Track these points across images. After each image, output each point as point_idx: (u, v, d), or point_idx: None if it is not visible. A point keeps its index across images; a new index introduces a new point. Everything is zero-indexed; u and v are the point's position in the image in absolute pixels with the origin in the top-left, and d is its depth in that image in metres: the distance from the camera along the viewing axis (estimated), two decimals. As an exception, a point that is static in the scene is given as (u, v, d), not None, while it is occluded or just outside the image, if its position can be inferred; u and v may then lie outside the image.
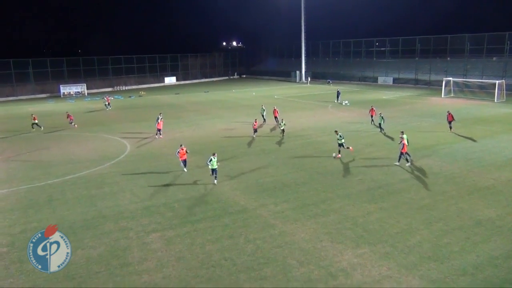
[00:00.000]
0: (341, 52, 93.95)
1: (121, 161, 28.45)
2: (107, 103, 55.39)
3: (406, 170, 24.47)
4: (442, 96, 58.47)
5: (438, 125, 37.35)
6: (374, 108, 38.62)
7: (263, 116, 40.78)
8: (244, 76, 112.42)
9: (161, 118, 36.04)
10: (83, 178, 24.67)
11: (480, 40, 68.39)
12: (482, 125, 37.65)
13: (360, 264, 14.13)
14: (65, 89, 75.36)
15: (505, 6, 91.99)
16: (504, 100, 52.82)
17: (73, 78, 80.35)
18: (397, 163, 25.50)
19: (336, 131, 28.07)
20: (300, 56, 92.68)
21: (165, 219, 18.39)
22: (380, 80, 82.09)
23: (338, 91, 57.51)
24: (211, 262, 14.52)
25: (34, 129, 39.52)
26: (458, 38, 72.20)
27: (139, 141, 34.38)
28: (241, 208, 19.37)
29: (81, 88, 76.81)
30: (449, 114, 34.55)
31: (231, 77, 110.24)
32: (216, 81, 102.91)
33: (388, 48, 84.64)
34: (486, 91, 56.89)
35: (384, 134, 34.37)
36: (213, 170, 22.57)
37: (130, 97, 71.55)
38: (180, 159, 24.86)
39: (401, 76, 79.75)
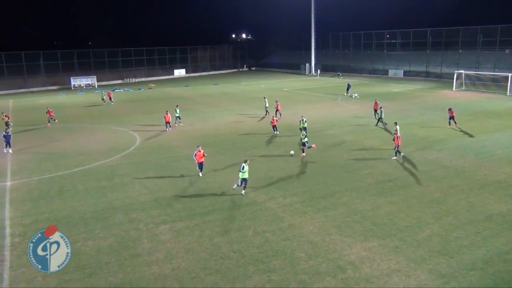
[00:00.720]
0: (351, 45, 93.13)
1: (131, 153, 28.64)
2: (107, 97, 54.04)
3: (416, 164, 24.29)
4: (454, 89, 57.78)
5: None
6: (378, 102, 38.11)
7: (265, 108, 41.01)
8: (253, 68, 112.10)
9: (178, 110, 36.99)
10: (93, 170, 24.91)
11: (492, 32, 67.23)
12: (494, 118, 37.19)
13: (369, 257, 14.12)
14: (75, 81, 75.90)
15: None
16: (517, 93, 52.10)
17: (84, 71, 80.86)
18: (397, 157, 25.50)
19: (300, 129, 27.55)
20: (310, 49, 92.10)
21: (174, 211, 18.52)
22: (391, 72, 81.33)
23: (348, 84, 57.06)
24: (220, 254, 14.61)
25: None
26: (470, 30, 71.05)
27: (149, 133, 34.55)
28: (250, 201, 19.42)
29: (91, 80, 77.34)
30: (450, 110, 33.51)
31: (240, 69, 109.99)
32: (225, 73, 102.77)
33: (399, 41, 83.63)
34: (498, 84, 56.02)
35: (385, 128, 33.95)
36: (243, 180, 19.94)
37: (139, 89, 71.81)
38: (197, 162, 22.70)
39: (412, 68, 78.90)
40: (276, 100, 40.80)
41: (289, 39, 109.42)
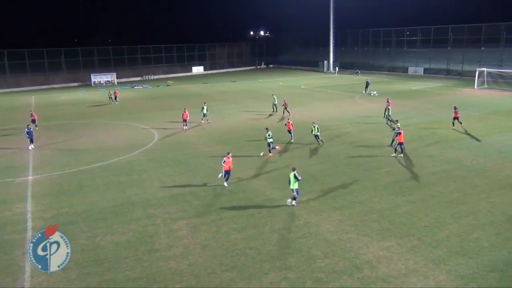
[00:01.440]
0: (370, 42, 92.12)
1: (149, 149, 28.96)
2: (113, 96, 52.67)
3: (435, 163, 23.93)
4: (475, 87, 56.62)
5: (470, 117, 36.26)
6: (390, 100, 37.50)
7: (274, 105, 41.34)
8: (271, 66, 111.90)
9: (205, 108, 37.24)
10: (112, 166, 25.27)
11: (517, 29, 65.73)
12: (517, 117, 36.33)
13: (386, 257, 13.99)
14: (95, 78, 77.07)
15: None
16: (541, 91, 50.78)
17: (104, 67, 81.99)
18: (399, 154, 25.46)
19: (266, 128, 27.09)
20: (328, 46, 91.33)
21: (191, 207, 18.66)
22: (410, 70, 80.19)
23: (367, 81, 56.44)
24: (236, 251, 14.68)
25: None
26: (493, 27, 69.44)
27: (167, 130, 34.85)
28: (267, 198, 19.44)
29: (111, 77, 78.39)
30: (455, 109, 32.29)
31: (258, 66, 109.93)
32: (243, 70, 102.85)
33: (420, 37, 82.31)
34: (522, 82, 54.78)
35: (390, 125, 33.55)
36: (296, 191, 18.11)
37: (158, 86, 72.45)
38: (224, 170, 20.76)
39: (432, 66, 77.56)
40: (284, 98, 40.93)
41: (307, 36, 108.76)
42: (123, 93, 62.38)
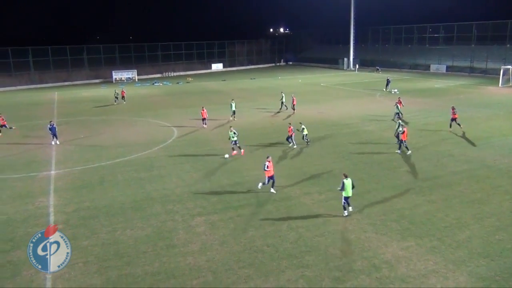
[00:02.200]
0: (392, 39, 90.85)
1: (168, 146, 29.23)
2: (120, 96, 50.41)
3: (457, 163, 23.49)
4: (500, 85, 55.31)
5: (494, 116, 35.50)
6: (401, 100, 37.02)
7: (282, 103, 41.36)
8: (291, 63, 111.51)
9: (233, 105, 37.32)
10: (133, 161, 25.62)
11: (544, 26, 63.91)
12: (543, 116, 35.34)
13: (405, 257, 13.82)
14: (117, 75, 78.17)
15: None
16: None
17: (125, 64, 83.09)
18: (398, 151, 25.66)
19: (230, 127, 26.80)
20: (348, 43, 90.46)
21: (210, 203, 18.77)
22: (433, 68, 78.78)
23: (388, 79, 55.74)
24: (254, 248, 14.71)
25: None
26: (519, 24, 67.81)
27: (186, 127, 35.11)
28: (285, 196, 19.41)
29: (132, 74, 79.41)
30: (453, 109, 30.99)
31: (278, 64, 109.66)
32: (262, 68, 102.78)
33: (442, 35, 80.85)
34: (549, 80, 53.26)
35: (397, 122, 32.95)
36: (347, 199, 17.07)
37: (178, 83, 73.01)
38: (267, 176, 19.49)
39: (455, 64, 76.06)
40: (293, 95, 40.80)
41: (327, 33, 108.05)
42: (143, 90, 63.12)
